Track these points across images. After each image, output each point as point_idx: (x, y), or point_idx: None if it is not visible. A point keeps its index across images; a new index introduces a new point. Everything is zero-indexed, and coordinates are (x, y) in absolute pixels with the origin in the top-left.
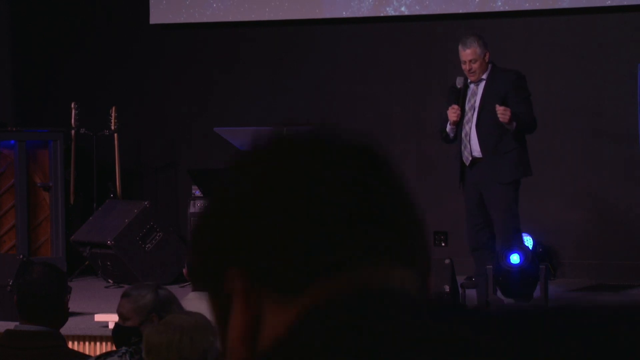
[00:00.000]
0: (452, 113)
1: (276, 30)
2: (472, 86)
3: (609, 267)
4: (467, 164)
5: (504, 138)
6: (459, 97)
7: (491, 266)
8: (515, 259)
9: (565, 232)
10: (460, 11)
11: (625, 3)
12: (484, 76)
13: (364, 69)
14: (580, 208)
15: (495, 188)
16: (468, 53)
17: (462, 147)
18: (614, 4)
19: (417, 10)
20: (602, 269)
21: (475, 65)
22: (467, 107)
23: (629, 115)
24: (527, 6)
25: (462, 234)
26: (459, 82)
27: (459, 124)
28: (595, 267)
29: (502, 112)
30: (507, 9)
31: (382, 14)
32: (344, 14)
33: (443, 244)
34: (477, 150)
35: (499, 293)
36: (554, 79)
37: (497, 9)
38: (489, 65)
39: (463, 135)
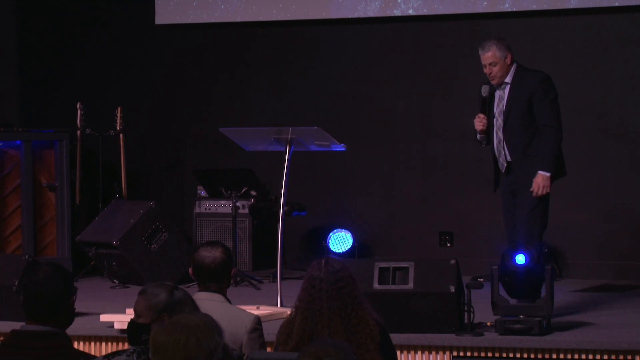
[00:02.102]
0: (478, 122)
1: (281, 30)
2: (498, 92)
3: (615, 268)
4: (503, 170)
5: (533, 142)
6: (485, 105)
7: (497, 266)
8: (520, 259)
9: (571, 232)
10: (469, 12)
11: (633, 3)
12: (508, 79)
13: (369, 70)
14: (586, 208)
15: (523, 193)
16: (487, 56)
17: (497, 155)
18: (621, 4)
19: (425, 12)
20: (607, 269)
21: (495, 69)
22: (496, 114)
23: (634, 115)
24: (534, 7)
25: (467, 234)
26: (484, 90)
27: (490, 132)
28: (601, 267)
29: (537, 190)
30: (514, 9)
31: (388, 15)
32: (350, 17)
33: (449, 245)
34: (509, 155)
35: (503, 293)
36: (560, 79)
37: (505, 10)
38: (513, 67)
39: (496, 143)
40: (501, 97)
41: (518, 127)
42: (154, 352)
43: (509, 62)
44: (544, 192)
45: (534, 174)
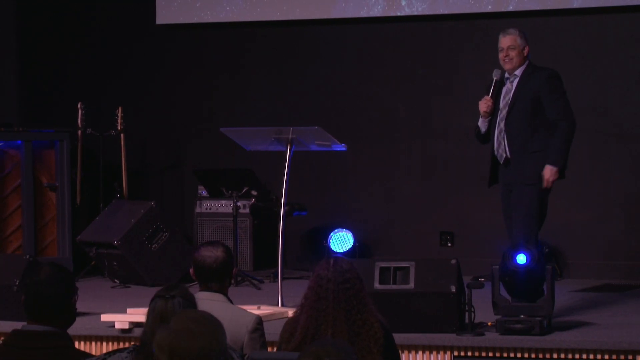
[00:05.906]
0: (483, 103)
1: (281, 30)
2: (507, 84)
3: (616, 268)
4: (502, 161)
5: (535, 137)
6: (495, 89)
7: (497, 266)
8: (521, 259)
9: (571, 232)
10: (474, 11)
11: (634, 3)
12: (519, 72)
13: (369, 70)
14: (586, 208)
15: (520, 189)
16: (508, 39)
17: (497, 145)
18: (623, 4)
19: (428, 14)
20: (608, 269)
21: (513, 53)
22: (501, 105)
23: (634, 115)
24: (538, 7)
25: (468, 234)
26: (496, 73)
27: (492, 124)
28: (602, 267)
29: (547, 181)
30: (518, 9)
31: (390, 15)
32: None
33: (449, 244)
34: (507, 148)
35: (504, 293)
36: None
37: (508, 10)
38: (526, 62)
39: (497, 133)
40: (508, 90)
41: (521, 120)
42: (170, 356)
43: (525, 54)
44: (549, 185)
45: (531, 172)
